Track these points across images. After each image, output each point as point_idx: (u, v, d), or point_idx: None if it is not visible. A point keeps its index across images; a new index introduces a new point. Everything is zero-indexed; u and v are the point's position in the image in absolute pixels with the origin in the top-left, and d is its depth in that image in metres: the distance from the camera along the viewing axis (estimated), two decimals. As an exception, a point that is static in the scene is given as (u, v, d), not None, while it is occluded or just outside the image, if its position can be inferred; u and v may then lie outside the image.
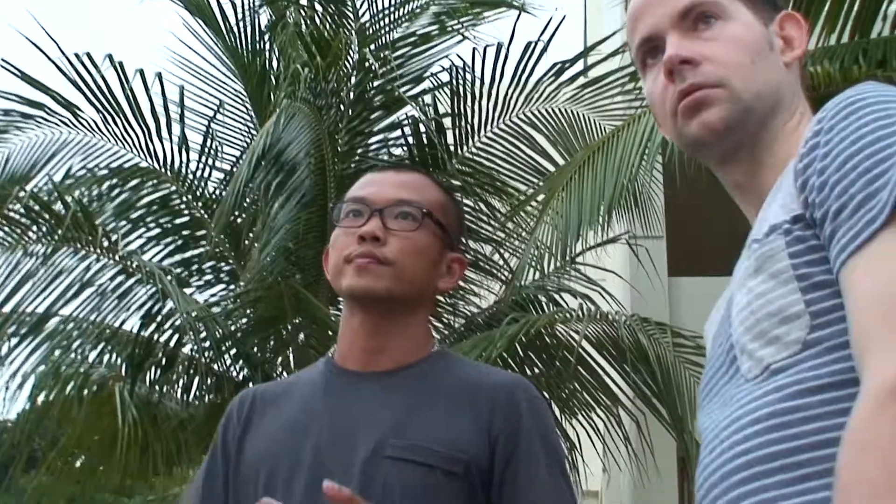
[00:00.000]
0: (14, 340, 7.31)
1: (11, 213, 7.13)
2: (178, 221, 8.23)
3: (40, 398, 7.90)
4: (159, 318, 7.36)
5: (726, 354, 1.43)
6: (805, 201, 1.34)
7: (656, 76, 1.60)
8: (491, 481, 2.00)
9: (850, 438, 1.14)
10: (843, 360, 1.26)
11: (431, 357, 2.17)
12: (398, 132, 7.95)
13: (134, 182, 8.09)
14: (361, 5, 7.94)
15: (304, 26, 7.73)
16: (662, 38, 1.58)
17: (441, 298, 7.96)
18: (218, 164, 8.27)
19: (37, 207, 7.13)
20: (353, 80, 7.70)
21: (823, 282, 1.31)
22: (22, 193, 7.18)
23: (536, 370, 7.31)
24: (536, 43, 7.40)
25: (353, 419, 2.04)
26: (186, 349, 7.70)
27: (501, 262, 8.09)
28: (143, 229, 8.16)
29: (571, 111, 7.81)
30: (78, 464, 9.17)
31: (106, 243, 7.44)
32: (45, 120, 7.93)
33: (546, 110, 7.81)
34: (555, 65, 7.62)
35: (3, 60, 7.52)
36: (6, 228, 7.19)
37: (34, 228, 7.21)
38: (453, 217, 2.25)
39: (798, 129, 1.52)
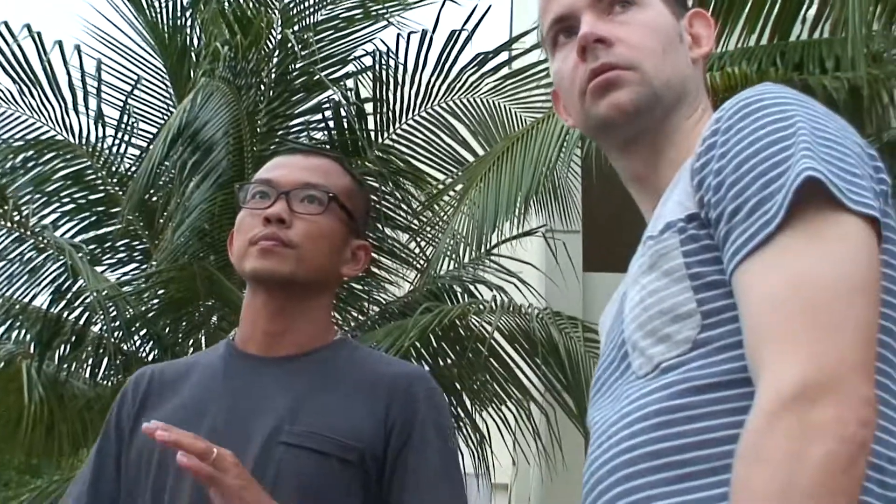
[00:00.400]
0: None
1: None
2: (92, 197, 8.08)
3: (-56, 374, 7.74)
4: (69, 296, 7.25)
5: (618, 350, 1.43)
6: (701, 200, 1.34)
7: (567, 55, 1.60)
8: (384, 469, 1.99)
9: (743, 451, 1.14)
10: (731, 361, 1.26)
11: (333, 344, 2.17)
12: (319, 116, 7.89)
13: (49, 155, 7.93)
14: (286, -16, 7.86)
15: (226, 4, 7.62)
16: (577, 17, 1.58)
17: (356, 286, 7.94)
18: (134, 140, 8.14)
19: (-52, 178, 6.98)
20: (274, 60, 7.63)
21: (716, 282, 1.30)
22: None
23: (449, 361, 7.29)
24: (460, 32, 7.37)
25: (250, 403, 2.02)
26: (96, 328, 7.58)
27: (417, 251, 8.06)
28: (56, 204, 8.00)
29: (493, 102, 7.80)
30: (-17, 441, 8.98)
31: (18, 217, 7.31)
32: (-41, 89, 7.76)
33: (468, 100, 7.79)
34: (478, 55, 7.61)
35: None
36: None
37: (-56, 199, 7.07)
38: (360, 204, 2.25)
39: (699, 125, 1.52)
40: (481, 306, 6.89)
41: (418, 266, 8.03)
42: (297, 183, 2.13)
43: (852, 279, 1.19)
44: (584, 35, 1.54)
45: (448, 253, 6.96)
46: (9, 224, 7.24)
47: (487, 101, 7.82)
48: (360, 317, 8.03)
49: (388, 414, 2.02)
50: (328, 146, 7.64)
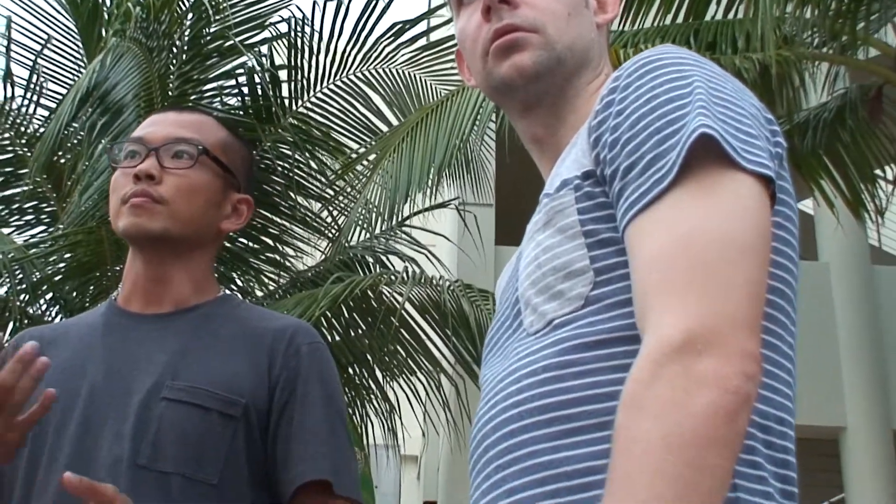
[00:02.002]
0: None
1: None
2: (-1, 158, 7.95)
3: None
4: (-26, 257, 7.13)
5: (511, 308, 1.44)
6: (597, 158, 1.34)
7: (471, 14, 1.59)
8: (269, 423, 1.98)
9: (627, 399, 1.13)
10: (622, 318, 1.26)
11: (215, 301, 2.15)
12: (233, 82, 7.80)
13: (-45, 114, 7.78)
14: (198, -57, 7.73)
15: (138, -38, 7.51)
16: None
17: (268, 254, 7.90)
18: (43, 101, 7.98)
19: None
20: (187, 23, 7.52)
21: (609, 239, 1.31)
22: None
23: (360, 331, 7.30)
24: (377, 1, 7.34)
25: (130, 360, 2.00)
26: (1, 291, 7.46)
27: (330, 220, 8.03)
28: (-38, 164, 7.86)
29: (409, 73, 7.79)
30: None
31: (-78, 176, 7.16)
32: None
33: (383, 70, 7.76)
34: (395, 24, 7.58)
35: None
36: None
37: None
38: (238, 157, 2.22)
39: (601, 90, 1.52)
40: (393, 277, 6.88)
41: (330, 235, 8.00)
42: (166, 138, 2.11)
43: (741, 237, 1.19)
44: None
45: (360, 223, 6.95)
46: (-87, 184, 7.09)
47: (403, 72, 7.80)
48: (271, 285, 7.99)
49: (272, 367, 2.01)
50: (241, 112, 7.56)
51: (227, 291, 2.23)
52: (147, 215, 2.04)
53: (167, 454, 1.89)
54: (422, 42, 7.84)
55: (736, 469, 1.13)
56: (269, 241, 7.87)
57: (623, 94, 1.33)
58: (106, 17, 7.72)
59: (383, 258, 7.68)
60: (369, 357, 7.42)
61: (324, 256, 7.98)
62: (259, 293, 7.90)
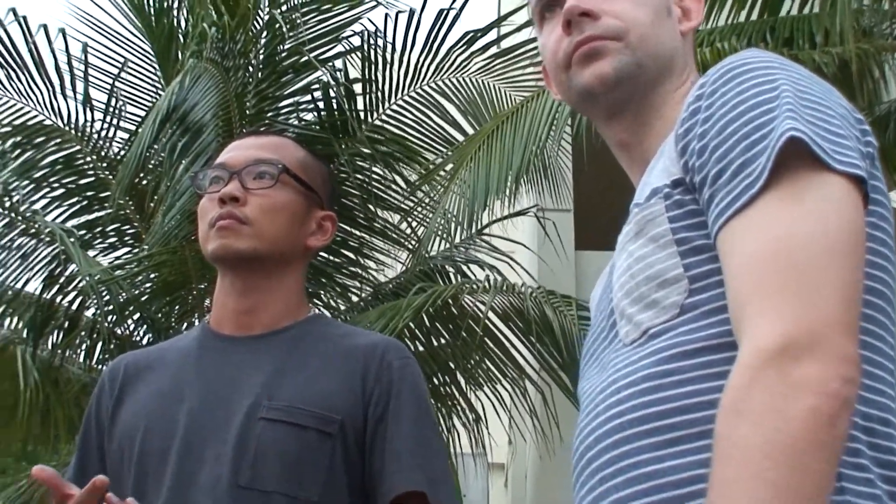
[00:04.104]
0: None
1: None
2: (82, 182, 8.05)
3: (-61, 360, 7.72)
4: (62, 281, 7.25)
5: (607, 320, 1.43)
6: (685, 165, 1.34)
7: (553, 29, 1.60)
8: (365, 440, 2.00)
9: (726, 406, 1.13)
10: (718, 325, 1.26)
11: (306, 321, 2.18)
12: (308, 97, 7.86)
13: (38, 140, 7.89)
14: (271, -36, 7.81)
15: (213, -16, 7.60)
16: None
17: (350, 268, 7.94)
18: (123, 123, 8.10)
19: (-64, 165, 6.95)
20: (262, 41, 7.60)
21: (702, 246, 1.30)
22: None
23: (443, 341, 7.30)
24: (448, 11, 7.34)
25: (227, 383, 2.03)
26: (89, 313, 7.58)
27: (409, 232, 8.05)
28: (46, 189, 7.97)
29: (482, 81, 7.78)
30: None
31: (8, 202, 7.29)
32: (-54, 75, 7.72)
33: (457, 80, 7.76)
34: (466, 34, 7.58)
35: None
36: None
37: (-66, 186, 7.04)
38: (317, 175, 2.26)
39: (686, 96, 1.51)
40: (474, 286, 6.88)
41: (410, 246, 8.02)
42: (247, 160, 2.15)
43: (835, 239, 1.19)
44: (568, 8, 1.54)
45: (439, 233, 6.96)
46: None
47: (477, 80, 7.79)
48: (352, 298, 8.02)
49: (365, 384, 2.03)
50: (318, 127, 7.62)
51: (317, 311, 2.25)
52: (234, 236, 2.08)
53: (267, 474, 1.92)
54: (493, 50, 7.85)
55: (842, 472, 1.13)
56: (350, 255, 7.92)
57: (709, 100, 1.33)
58: (181, 39, 7.83)
59: (463, 267, 7.68)
60: (452, 366, 7.42)
61: (404, 268, 8.00)
62: (342, 307, 7.95)
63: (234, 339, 2.12)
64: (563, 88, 1.61)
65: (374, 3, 7.64)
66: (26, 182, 7.85)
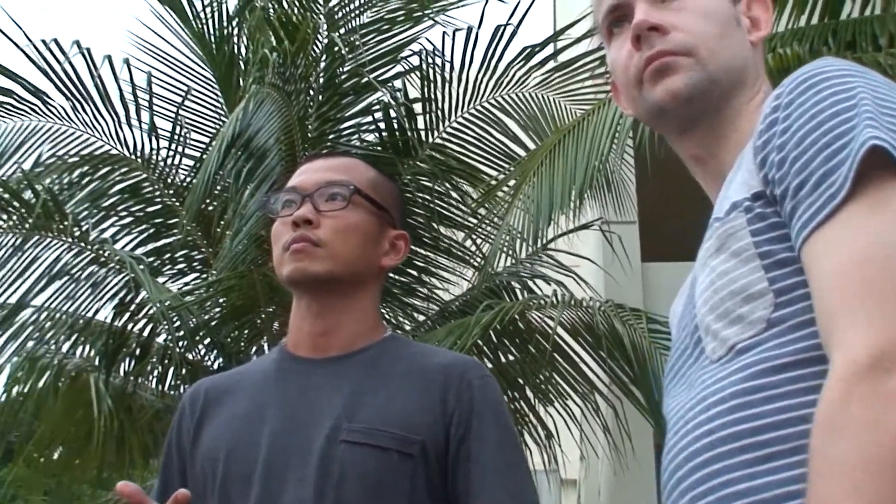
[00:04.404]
0: (-13, 332, 7.25)
1: (-19, 203, 7.05)
2: (149, 209, 8.14)
3: (15, 390, 7.82)
4: (132, 308, 7.32)
5: (691, 336, 1.42)
6: (765, 178, 1.32)
7: (622, 44, 1.59)
8: (447, 460, 1.99)
9: (820, 421, 1.12)
10: (807, 339, 1.24)
11: (383, 341, 2.17)
12: (369, 118, 7.90)
13: (104, 170, 7.98)
14: (329, -12, 7.86)
15: (271, 10, 7.65)
16: (631, 6, 1.58)
17: (416, 287, 7.96)
18: (188, 151, 8.19)
19: (6, 196, 7.03)
20: (322, 64, 7.65)
21: (786, 259, 1.29)
22: (-9, 182, 7.11)
23: (511, 357, 7.28)
24: (505, 27, 7.34)
25: (307, 405, 2.03)
26: (160, 339, 7.65)
27: (474, 249, 8.05)
28: (114, 218, 8.07)
29: (541, 96, 7.76)
30: (55, 456, 9.09)
31: (77, 232, 7.38)
32: (14, 108, 7.80)
33: (516, 95, 7.76)
34: (524, 49, 7.58)
35: (-31, 49, 7.45)
36: (-24, 218, 7.11)
37: (4, 217, 7.11)
38: (389, 194, 2.26)
39: (761, 107, 1.50)
40: (542, 301, 6.86)
41: (475, 264, 8.02)
42: (318, 183, 2.16)
43: None
44: (637, 23, 1.54)
45: (504, 249, 6.94)
46: (69, 240, 7.29)
47: (536, 94, 7.78)
48: (420, 317, 8.03)
49: (445, 404, 2.03)
50: (379, 148, 7.65)
51: (393, 332, 2.25)
52: (308, 259, 2.08)
53: (350, 496, 1.92)
54: (551, 64, 7.83)
55: None
56: (415, 274, 7.93)
57: (786, 111, 1.31)
58: (242, 65, 7.90)
59: (529, 283, 7.66)
60: (522, 382, 7.40)
61: (470, 285, 8.00)
62: (407, 326, 7.95)
63: (312, 361, 2.12)
64: (634, 104, 1.60)
65: (431, 23, 7.68)
66: (95, 211, 7.95)
